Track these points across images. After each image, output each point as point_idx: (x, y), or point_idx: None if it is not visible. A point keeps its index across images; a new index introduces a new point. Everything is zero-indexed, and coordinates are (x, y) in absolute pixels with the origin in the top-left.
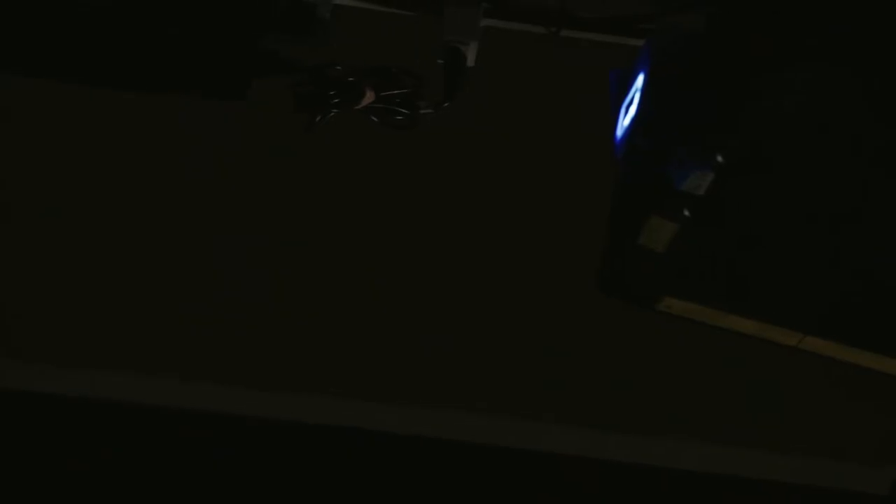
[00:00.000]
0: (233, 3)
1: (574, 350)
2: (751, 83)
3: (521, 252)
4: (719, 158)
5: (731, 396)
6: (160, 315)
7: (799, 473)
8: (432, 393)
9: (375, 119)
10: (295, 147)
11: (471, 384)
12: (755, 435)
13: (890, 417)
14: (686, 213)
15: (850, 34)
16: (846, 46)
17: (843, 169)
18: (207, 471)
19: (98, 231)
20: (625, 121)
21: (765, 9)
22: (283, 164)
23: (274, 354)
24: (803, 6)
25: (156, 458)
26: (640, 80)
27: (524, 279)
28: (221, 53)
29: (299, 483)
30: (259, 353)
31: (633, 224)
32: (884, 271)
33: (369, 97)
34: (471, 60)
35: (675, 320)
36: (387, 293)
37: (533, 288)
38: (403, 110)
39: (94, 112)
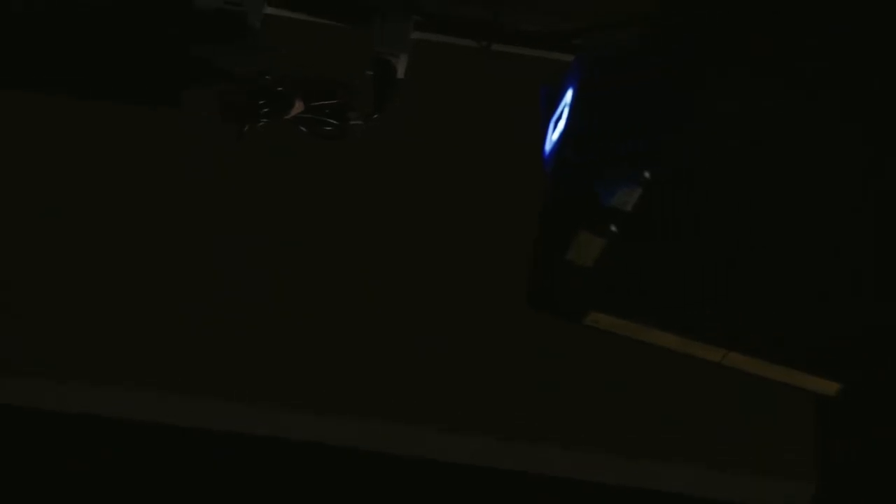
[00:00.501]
0: (162, 11)
1: (501, 363)
2: (678, 103)
3: (450, 265)
4: (646, 175)
5: (654, 410)
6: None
7: (720, 488)
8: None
9: (304, 129)
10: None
11: (397, 397)
12: (677, 449)
13: (810, 433)
14: (613, 228)
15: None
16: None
17: (767, 190)
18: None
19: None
20: (554, 135)
21: (695, 30)
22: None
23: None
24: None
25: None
26: (570, 95)
27: (452, 292)
28: (151, 61)
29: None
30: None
31: (561, 239)
32: (804, 290)
33: (298, 107)
34: (401, 73)
35: (605, 334)
36: (305, 302)
37: (461, 300)
38: (332, 121)
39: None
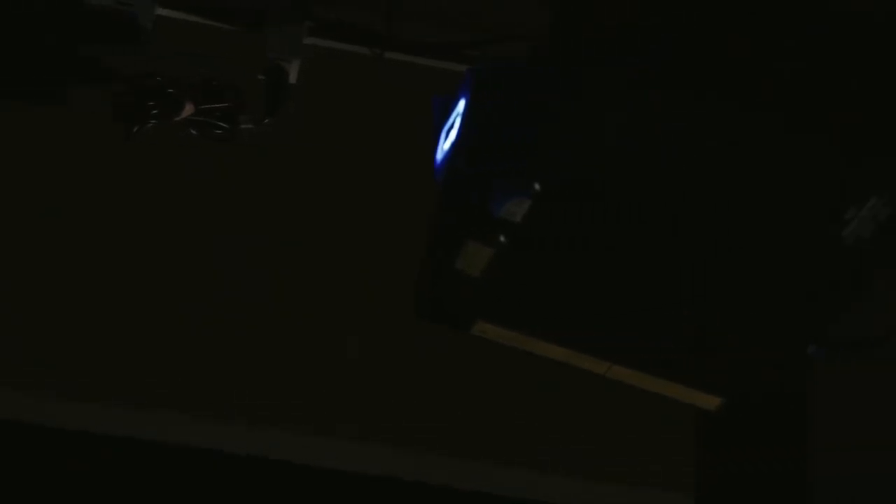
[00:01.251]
0: (51, 9)
1: (388, 373)
2: (568, 115)
3: (336, 273)
4: (536, 187)
5: (536, 421)
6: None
7: (598, 498)
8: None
9: (194, 132)
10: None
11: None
12: (556, 460)
13: (689, 446)
14: (502, 239)
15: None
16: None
17: (654, 205)
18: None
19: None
20: (445, 145)
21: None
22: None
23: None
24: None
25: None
26: (462, 105)
27: (340, 299)
28: (38, 59)
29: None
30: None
31: (450, 248)
32: (687, 305)
33: (189, 109)
34: (293, 78)
35: (493, 344)
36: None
37: (350, 308)
38: (223, 124)
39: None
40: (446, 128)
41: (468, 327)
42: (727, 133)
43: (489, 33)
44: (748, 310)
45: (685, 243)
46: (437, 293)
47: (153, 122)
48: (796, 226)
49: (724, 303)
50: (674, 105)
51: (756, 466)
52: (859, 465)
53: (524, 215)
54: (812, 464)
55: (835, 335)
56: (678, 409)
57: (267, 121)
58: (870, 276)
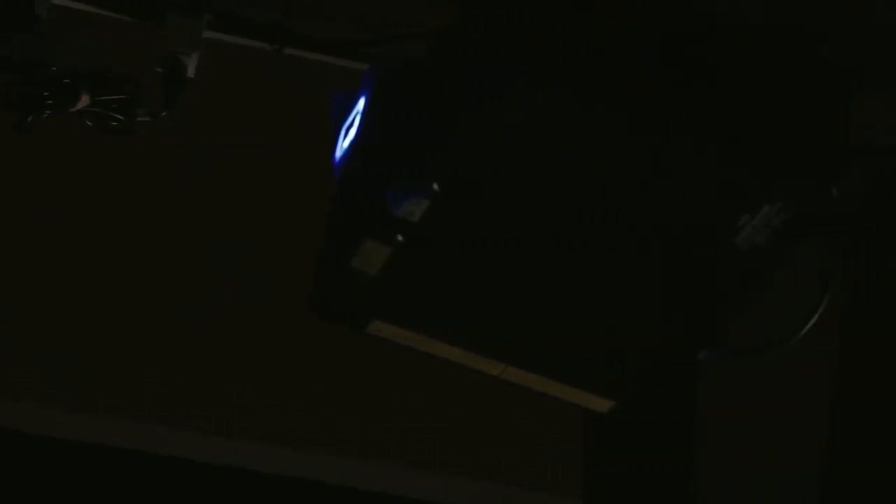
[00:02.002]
0: None
1: (286, 372)
2: (466, 115)
3: (233, 271)
4: (435, 187)
5: (431, 422)
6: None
7: (486, 500)
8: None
9: (89, 123)
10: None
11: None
12: (446, 460)
13: (578, 449)
14: (400, 238)
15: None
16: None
17: (549, 208)
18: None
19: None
20: (344, 143)
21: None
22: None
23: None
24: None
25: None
26: (362, 103)
27: (237, 298)
28: None
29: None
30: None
31: (347, 246)
32: (580, 308)
33: (84, 100)
34: (191, 71)
35: (391, 344)
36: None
37: (247, 307)
38: (119, 116)
39: None
40: (346, 125)
41: (364, 326)
42: (621, 139)
43: (390, 32)
44: (640, 313)
45: (579, 246)
46: (335, 292)
47: (48, 112)
48: (688, 231)
49: (617, 306)
50: (569, 109)
51: (644, 469)
52: (747, 470)
53: (422, 215)
54: (700, 467)
55: (726, 340)
56: (567, 410)
57: (164, 114)
58: (764, 282)
